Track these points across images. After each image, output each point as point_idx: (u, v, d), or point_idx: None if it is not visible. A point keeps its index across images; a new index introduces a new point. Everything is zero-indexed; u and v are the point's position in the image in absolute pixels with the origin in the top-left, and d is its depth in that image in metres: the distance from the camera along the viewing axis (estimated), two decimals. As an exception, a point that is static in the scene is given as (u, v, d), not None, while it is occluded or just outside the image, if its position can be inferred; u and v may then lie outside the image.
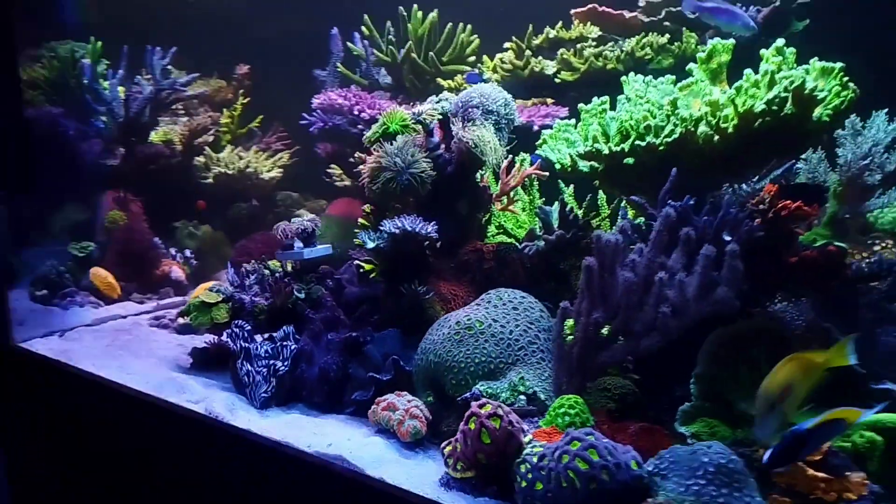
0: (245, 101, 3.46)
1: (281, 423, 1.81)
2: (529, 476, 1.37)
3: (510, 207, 2.15)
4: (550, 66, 2.63)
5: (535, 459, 1.38)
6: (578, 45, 2.61)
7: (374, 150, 2.08)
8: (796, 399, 1.33)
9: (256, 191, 3.26)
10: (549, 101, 2.61)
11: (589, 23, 2.76)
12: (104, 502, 2.11)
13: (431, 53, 2.76)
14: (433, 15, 2.81)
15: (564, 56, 2.61)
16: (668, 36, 2.58)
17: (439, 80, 2.86)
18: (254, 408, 1.92)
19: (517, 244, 2.10)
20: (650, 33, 2.61)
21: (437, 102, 2.17)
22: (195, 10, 3.62)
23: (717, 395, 1.56)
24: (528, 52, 2.64)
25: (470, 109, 2.08)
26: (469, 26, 2.87)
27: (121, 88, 3.19)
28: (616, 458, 1.33)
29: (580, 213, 2.07)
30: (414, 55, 2.80)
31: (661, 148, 1.66)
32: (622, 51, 2.53)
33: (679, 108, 1.71)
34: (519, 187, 2.22)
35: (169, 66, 3.30)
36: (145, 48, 3.21)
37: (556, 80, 2.64)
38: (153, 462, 1.95)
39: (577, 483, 1.31)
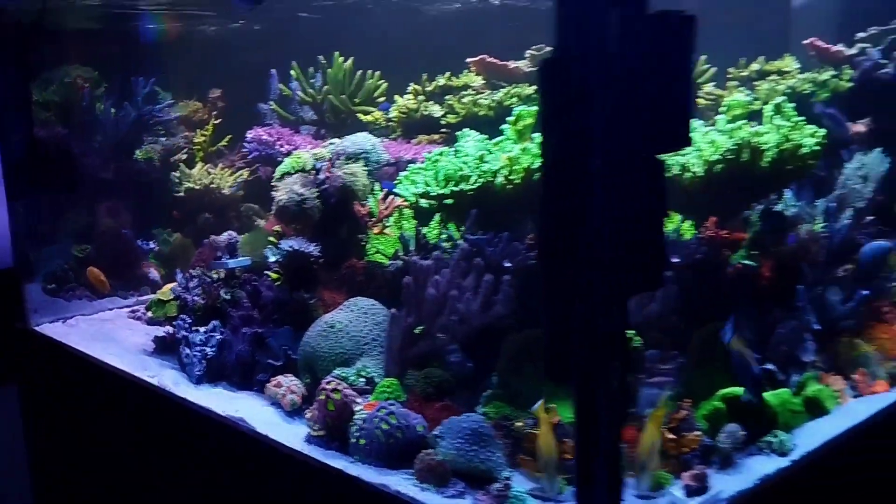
0: (216, 121, 3.90)
1: (208, 395, 2.37)
2: (356, 434, 1.91)
3: (385, 232, 2.64)
4: (438, 111, 3.14)
5: (360, 422, 1.92)
6: (462, 92, 3.10)
7: (281, 182, 2.64)
8: (657, 455, 1.72)
9: (220, 203, 3.68)
10: (436, 138, 3.09)
11: (481, 71, 3.24)
12: (92, 448, 2.78)
13: (343, 96, 3.28)
14: (348, 63, 3.32)
15: (449, 101, 3.09)
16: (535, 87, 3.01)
17: (359, 115, 3.36)
18: (191, 383, 2.45)
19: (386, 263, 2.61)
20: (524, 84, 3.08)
21: (325, 147, 2.72)
22: (185, 44, 4.14)
23: (508, 384, 2.05)
24: (420, 97, 3.17)
25: (346, 152, 2.65)
26: (378, 73, 3.38)
27: (112, 111, 3.74)
28: (407, 422, 1.87)
29: (433, 239, 2.57)
30: (331, 97, 3.32)
31: (469, 193, 2.20)
32: (493, 99, 2.99)
33: (486, 162, 2.24)
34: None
35: (157, 89, 3.80)
36: (132, 79, 3.76)
37: (443, 123, 3.12)
38: (123, 419, 2.60)
39: (382, 439, 1.85)
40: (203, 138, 3.90)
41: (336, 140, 2.80)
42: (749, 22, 4.14)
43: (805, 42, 3.17)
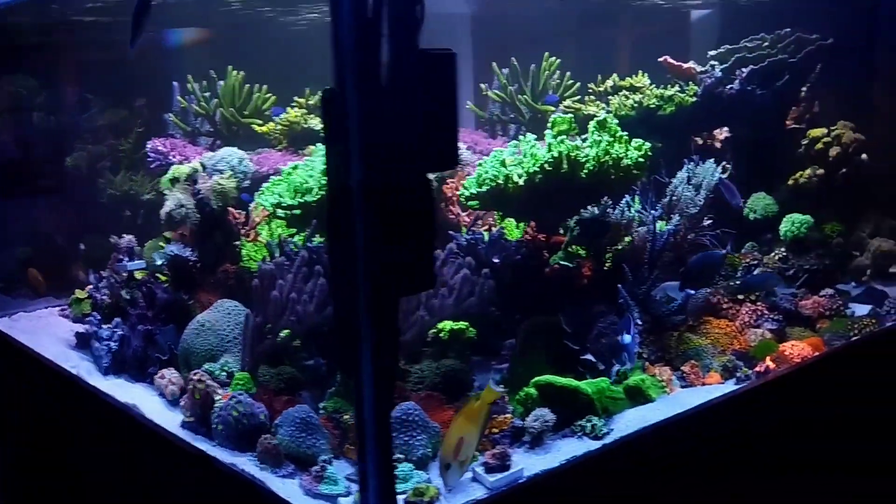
0: (140, 129, 3.96)
1: (112, 385, 2.59)
2: (216, 420, 2.13)
3: (258, 239, 2.86)
4: (317, 123, 3.33)
5: (218, 410, 2.14)
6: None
7: (167, 192, 2.82)
8: (470, 446, 1.76)
9: (141, 208, 3.77)
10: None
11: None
12: (24, 432, 3.03)
13: (232, 109, 3.45)
14: (239, 76, 3.48)
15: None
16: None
17: (255, 126, 3.54)
18: (100, 374, 2.68)
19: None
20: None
21: (201, 160, 2.92)
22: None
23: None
24: (303, 111, 3.35)
25: (218, 165, 2.84)
26: (265, 86, 3.55)
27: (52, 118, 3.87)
28: (252, 411, 2.10)
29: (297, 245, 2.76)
30: (222, 109, 3.49)
31: (312, 204, 2.41)
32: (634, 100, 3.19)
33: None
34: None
35: (89, 96, 3.93)
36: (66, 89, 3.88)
37: (322, 135, 3.31)
38: (49, 403, 2.84)
39: (232, 424, 2.09)
40: (127, 146, 3.98)
41: (209, 154, 2.99)
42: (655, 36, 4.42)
43: (660, 59, 3.41)
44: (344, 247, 1.46)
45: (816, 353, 2.59)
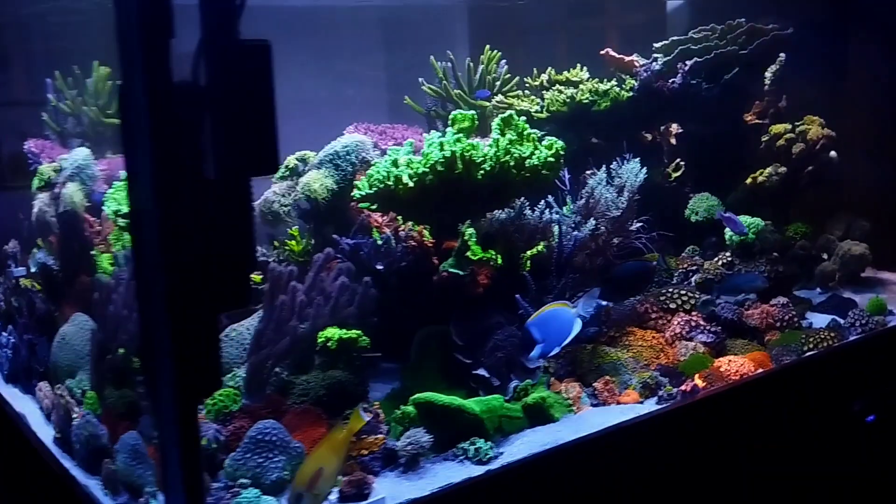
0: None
1: (13, 393, 2.62)
2: (74, 439, 2.11)
3: (111, 250, 2.75)
4: None
5: (75, 428, 2.09)
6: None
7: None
8: (329, 478, 1.71)
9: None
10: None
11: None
12: None
13: (95, 108, 3.30)
14: (104, 72, 3.36)
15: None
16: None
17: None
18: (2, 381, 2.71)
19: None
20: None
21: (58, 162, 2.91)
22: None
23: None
24: None
25: (71, 171, 2.83)
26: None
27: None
28: (96, 432, 2.04)
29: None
30: (86, 107, 3.35)
31: None
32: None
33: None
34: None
35: None
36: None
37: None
38: None
39: (84, 445, 2.05)
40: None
41: (65, 155, 2.99)
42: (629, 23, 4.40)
43: (601, 52, 3.37)
44: (145, 260, 1.43)
45: (760, 371, 2.46)
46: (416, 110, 3.46)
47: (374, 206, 2.43)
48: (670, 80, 3.12)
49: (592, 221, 2.53)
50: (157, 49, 1.28)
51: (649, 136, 3.36)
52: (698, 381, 2.36)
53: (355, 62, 4.03)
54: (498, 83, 3.38)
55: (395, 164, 2.38)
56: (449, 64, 3.45)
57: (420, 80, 3.46)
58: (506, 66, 3.46)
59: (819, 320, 2.89)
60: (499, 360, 2.30)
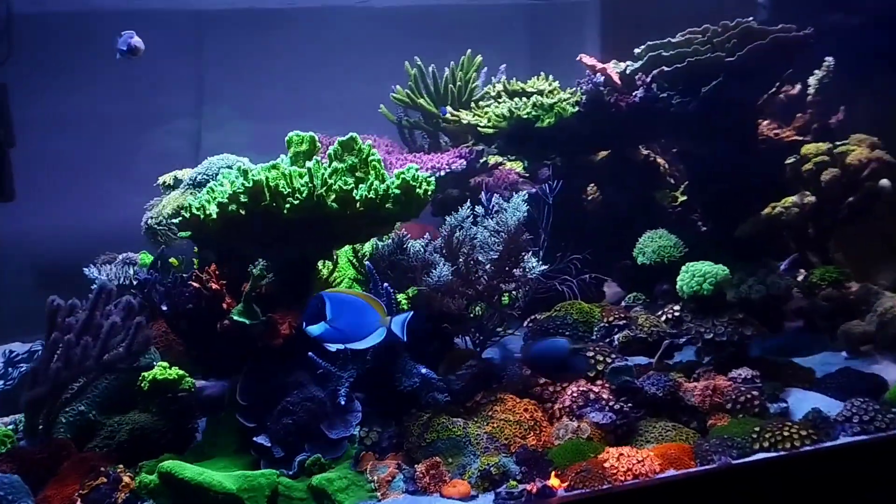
0: None
1: None
2: None
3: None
4: None
5: None
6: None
7: None
8: None
9: None
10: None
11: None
12: None
13: None
14: None
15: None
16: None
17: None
18: None
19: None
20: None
21: None
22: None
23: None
24: None
25: None
26: None
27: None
28: None
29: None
30: None
31: None
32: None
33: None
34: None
35: None
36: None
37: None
38: None
39: None
40: None
41: None
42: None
43: (577, 58, 2.85)
44: None
45: (666, 473, 1.89)
46: (389, 119, 3.15)
47: (188, 236, 2.18)
48: (632, 94, 2.58)
49: (446, 266, 2.13)
50: None
51: (645, 152, 2.83)
52: (553, 481, 1.88)
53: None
54: (478, 91, 2.99)
55: (211, 191, 2.12)
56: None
57: (396, 86, 3.15)
58: (502, 73, 3.05)
59: (809, 403, 2.21)
60: (286, 426, 1.97)
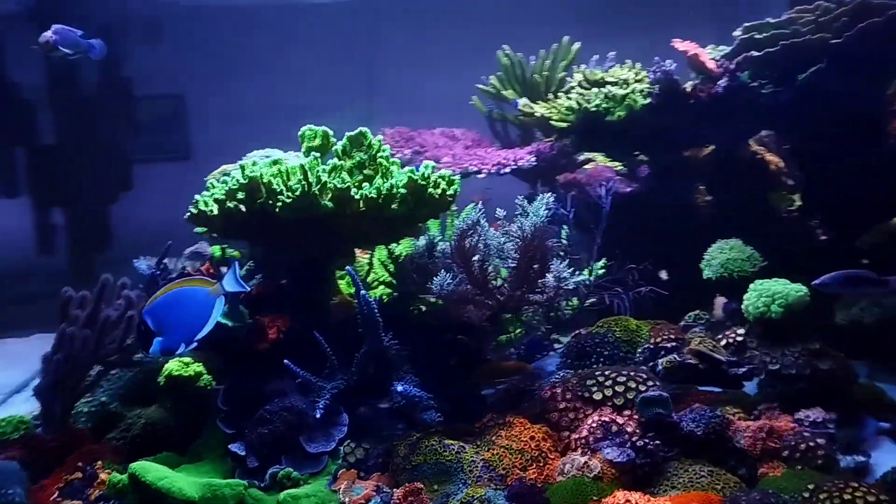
0: None
1: None
2: None
3: None
4: None
5: None
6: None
7: None
8: None
9: None
10: None
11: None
12: None
13: None
14: None
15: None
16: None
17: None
18: None
19: None
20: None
21: None
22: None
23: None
24: None
25: None
26: None
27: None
28: None
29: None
30: None
31: None
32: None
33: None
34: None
35: None
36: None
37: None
38: None
39: None
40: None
41: None
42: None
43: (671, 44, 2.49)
44: None
45: None
46: (480, 110, 2.98)
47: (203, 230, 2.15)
48: (717, 83, 2.23)
49: (447, 275, 1.96)
50: None
51: (754, 148, 2.48)
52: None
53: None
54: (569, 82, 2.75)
55: (212, 186, 2.09)
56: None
57: (484, 77, 2.98)
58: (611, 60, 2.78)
59: (883, 463, 1.82)
60: (262, 436, 1.90)
